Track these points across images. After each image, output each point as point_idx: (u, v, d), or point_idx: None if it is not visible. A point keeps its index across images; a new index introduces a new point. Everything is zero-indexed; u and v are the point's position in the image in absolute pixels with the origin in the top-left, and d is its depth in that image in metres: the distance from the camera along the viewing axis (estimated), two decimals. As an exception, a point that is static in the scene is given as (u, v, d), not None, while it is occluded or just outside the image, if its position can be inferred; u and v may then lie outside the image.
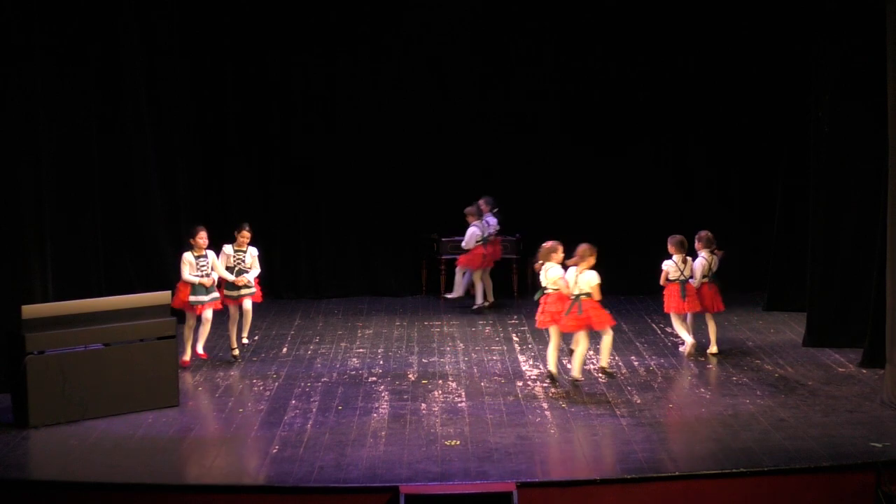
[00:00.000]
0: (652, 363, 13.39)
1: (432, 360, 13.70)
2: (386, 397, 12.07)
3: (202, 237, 13.10)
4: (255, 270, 13.51)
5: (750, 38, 16.91)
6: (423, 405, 11.78)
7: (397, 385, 12.55)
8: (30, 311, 11.22)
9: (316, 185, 17.18)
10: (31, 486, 9.73)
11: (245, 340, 13.72)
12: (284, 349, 14.23)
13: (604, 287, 12.17)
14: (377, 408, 11.69)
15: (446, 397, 12.07)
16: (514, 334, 14.97)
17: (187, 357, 13.13)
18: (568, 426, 10.99)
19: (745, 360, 13.43)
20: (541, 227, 15.84)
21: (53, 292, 12.79)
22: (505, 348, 14.21)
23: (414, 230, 17.50)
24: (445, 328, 15.41)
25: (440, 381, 12.70)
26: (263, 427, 11.05)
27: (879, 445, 10.25)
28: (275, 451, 10.35)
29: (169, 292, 12.08)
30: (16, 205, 12.56)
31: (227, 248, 13.44)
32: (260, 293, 13.71)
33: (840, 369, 12.96)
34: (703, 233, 13.83)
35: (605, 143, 17.35)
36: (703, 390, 12.21)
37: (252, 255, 13.50)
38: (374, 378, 12.83)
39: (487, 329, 15.31)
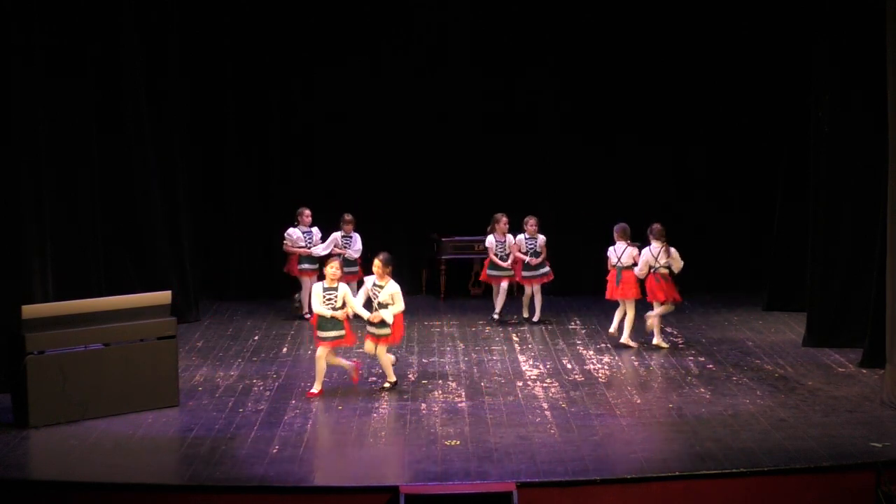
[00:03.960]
0: (652, 363, 13.40)
1: (432, 360, 13.70)
2: (386, 397, 12.07)
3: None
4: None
5: (750, 38, 16.92)
6: (423, 405, 11.78)
7: (397, 385, 12.54)
8: (30, 311, 11.21)
9: (316, 185, 17.17)
10: (31, 486, 9.73)
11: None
12: (284, 349, 14.24)
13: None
14: (377, 408, 11.69)
15: (446, 397, 12.07)
16: (514, 334, 14.97)
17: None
18: (568, 426, 10.99)
19: (745, 360, 13.44)
20: (540, 227, 15.87)
21: (53, 292, 12.79)
22: (505, 348, 14.21)
23: (414, 230, 17.50)
24: (445, 328, 15.41)
25: (440, 381, 12.70)
26: (263, 427, 11.05)
27: (879, 445, 10.25)
28: (275, 451, 10.35)
29: (169, 292, 12.06)
30: (16, 205, 12.56)
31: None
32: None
33: (840, 369, 12.96)
34: (656, 225, 14.18)
35: (603, 144, 17.36)
36: (703, 390, 12.21)
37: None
38: (374, 378, 12.83)
39: (487, 329, 15.31)
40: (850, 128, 13.66)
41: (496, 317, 15.58)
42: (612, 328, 14.21)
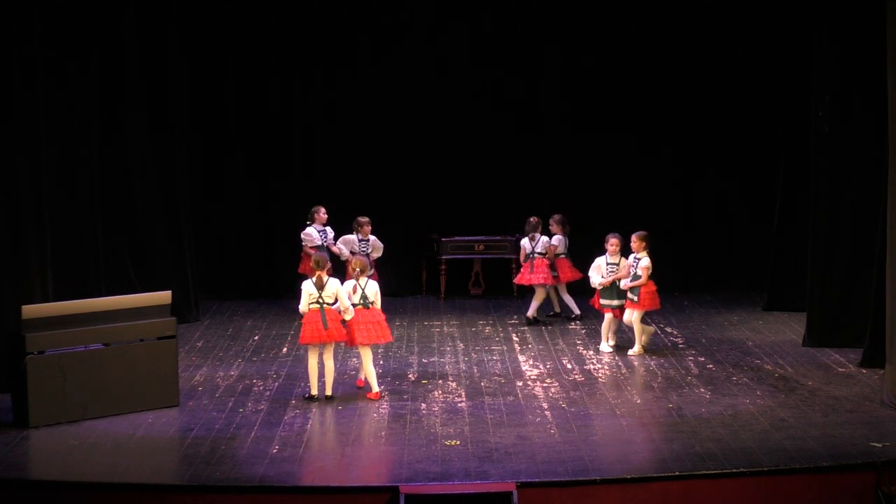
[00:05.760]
0: (652, 363, 13.39)
1: (432, 360, 13.70)
2: (386, 397, 12.07)
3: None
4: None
5: (751, 38, 16.90)
6: (423, 405, 11.78)
7: (397, 385, 12.55)
8: (30, 311, 11.21)
9: (316, 184, 17.17)
10: (31, 486, 9.73)
11: None
12: (284, 349, 14.24)
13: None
14: (377, 408, 11.69)
15: (446, 397, 12.07)
16: (514, 334, 14.97)
17: None
18: (568, 426, 10.99)
19: (745, 360, 13.43)
20: (540, 227, 15.88)
21: (53, 292, 12.78)
22: (505, 348, 14.21)
23: (414, 230, 17.50)
24: (445, 328, 15.41)
25: (440, 381, 12.70)
26: (263, 427, 11.05)
27: (879, 445, 10.25)
28: (275, 451, 10.35)
29: (169, 292, 12.06)
30: (16, 205, 12.56)
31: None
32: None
33: (840, 369, 12.96)
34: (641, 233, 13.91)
35: (604, 144, 17.35)
36: (703, 390, 12.21)
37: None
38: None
39: (487, 329, 15.31)
40: (850, 128, 13.66)
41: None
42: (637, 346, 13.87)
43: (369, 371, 12.14)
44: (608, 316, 13.90)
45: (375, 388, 12.08)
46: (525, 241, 15.49)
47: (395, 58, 17.37)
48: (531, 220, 15.52)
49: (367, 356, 12.10)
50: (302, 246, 15.52)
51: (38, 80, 12.90)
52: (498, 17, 17.39)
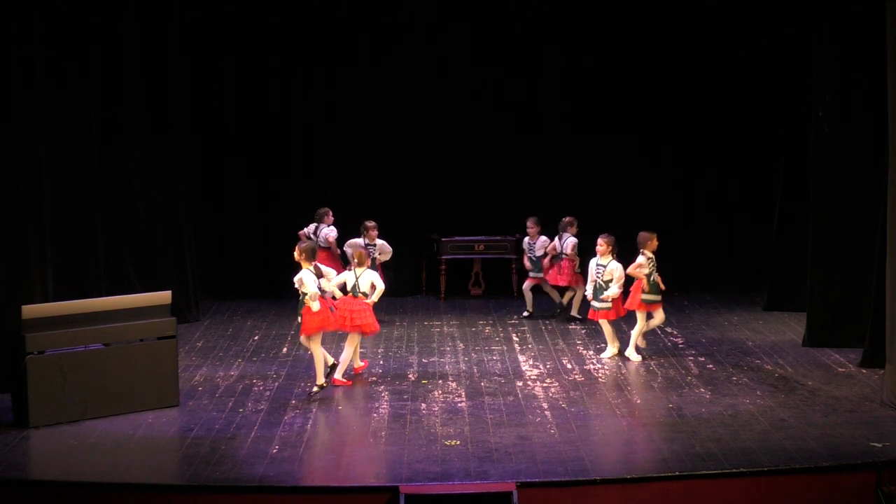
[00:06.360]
0: (652, 363, 13.39)
1: (432, 360, 13.70)
2: (386, 397, 12.07)
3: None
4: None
5: (751, 38, 16.91)
6: (423, 405, 11.78)
7: (397, 385, 12.55)
8: (30, 311, 11.21)
9: (316, 185, 17.18)
10: (31, 486, 9.73)
11: None
12: (284, 349, 14.24)
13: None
14: (377, 408, 11.70)
15: (446, 397, 12.07)
16: (514, 334, 14.97)
17: None
18: (568, 426, 10.99)
19: (745, 360, 13.44)
20: (541, 227, 15.89)
21: (53, 292, 12.79)
22: (505, 348, 14.21)
23: (414, 230, 17.50)
24: (445, 328, 15.42)
25: (440, 381, 12.70)
26: (263, 427, 11.05)
27: (879, 445, 10.25)
28: (275, 451, 10.35)
29: (169, 292, 12.06)
30: (16, 204, 12.56)
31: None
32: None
33: (840, 369, 12.96)
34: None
35: (604, 145, 17.36)
36: (703, 390, 12.21)
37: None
38: (374, 378, 12.84)
39: (487, 329, 15.32)
40: (850, 128, 13.66)
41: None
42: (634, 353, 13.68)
43: (346, 356, 12.61)
44: (602, 322, 13.76)
45: (338, 375, 12.46)
46: (556, 241, 15.52)
47: (395, 58, 17.37)
48: (564, 219, 15.54)
49: (350, 342, 12.63)
50: (323, 244, 15.43)
51: (38, 80, 12.90)
52: (498, 17, 17.39)
